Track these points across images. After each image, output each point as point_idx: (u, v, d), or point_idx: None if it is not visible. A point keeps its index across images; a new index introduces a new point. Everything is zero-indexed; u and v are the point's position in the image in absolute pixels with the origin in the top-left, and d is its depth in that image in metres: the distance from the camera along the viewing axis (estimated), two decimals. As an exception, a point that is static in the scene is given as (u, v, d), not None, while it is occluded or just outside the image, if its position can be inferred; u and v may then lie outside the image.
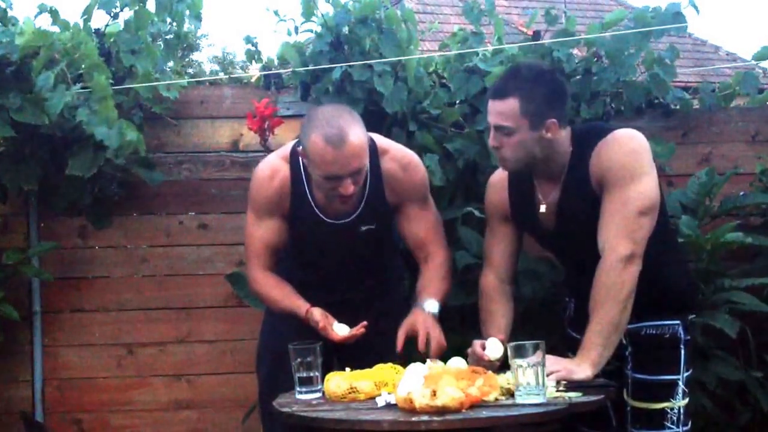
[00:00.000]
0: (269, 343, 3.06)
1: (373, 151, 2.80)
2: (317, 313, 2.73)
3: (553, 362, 2.46)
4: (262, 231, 2.89)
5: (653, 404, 2.67)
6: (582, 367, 2.48)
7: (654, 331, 2.70)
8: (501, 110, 2.61)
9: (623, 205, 2.56)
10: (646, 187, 2.59)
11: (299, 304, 2.79)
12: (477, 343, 2.73)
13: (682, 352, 2.69)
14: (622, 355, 2.70)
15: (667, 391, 2.66)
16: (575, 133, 2.71)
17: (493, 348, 2.68)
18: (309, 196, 2.84)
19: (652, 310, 2.68)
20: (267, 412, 2.87)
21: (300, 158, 2.82)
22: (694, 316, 2.82)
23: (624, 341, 2.66)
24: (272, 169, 2.89)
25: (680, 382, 2.67)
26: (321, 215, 2.84)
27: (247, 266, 2.96)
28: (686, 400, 2.69)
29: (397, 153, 2.90)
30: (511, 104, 2.59)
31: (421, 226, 2.92)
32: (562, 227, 2.75)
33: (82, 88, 3.49)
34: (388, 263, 3.09)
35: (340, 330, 2.70)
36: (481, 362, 2.64)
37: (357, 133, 2.65)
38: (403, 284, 3.22)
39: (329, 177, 2.65)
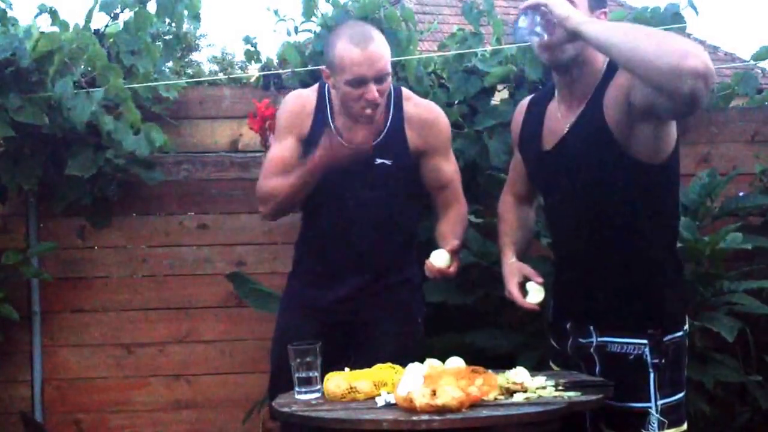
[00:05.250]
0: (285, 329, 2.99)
1: (398, 95, 2.88)
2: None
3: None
4: (278, 150, 2.89)
5: None
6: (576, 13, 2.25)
7: (618, 350, 2.40)
8: None
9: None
10: None
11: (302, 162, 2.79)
12: (514, 290, 2.56)
13: (652, 376, 2.36)
14: (593, 373, 2.44)
15: (637, 420, 2.35)
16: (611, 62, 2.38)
17: (533, 293, 2.54)
18: (330, 122, 2.85)
19: (618, 323, 2.41)
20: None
21: (325, 90, 2.88)
22: (679, 334, 2.41)
23: (594, 357, 2.44)
24: (299, 92, 3.00)
25: (653, 411, 2.35)
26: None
27: (258, 183, 2.92)
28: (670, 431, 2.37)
29: (421, 101, 2.98)
30: None
31: (445, 175, 2.93)
32: (565, 161, 2.44)
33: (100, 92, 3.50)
34: (405, 251, 2.98)
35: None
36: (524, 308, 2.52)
37: (381, 39, 2.72)
38: (420, 294, 3.05)
39: (356, 80, 2.67)
